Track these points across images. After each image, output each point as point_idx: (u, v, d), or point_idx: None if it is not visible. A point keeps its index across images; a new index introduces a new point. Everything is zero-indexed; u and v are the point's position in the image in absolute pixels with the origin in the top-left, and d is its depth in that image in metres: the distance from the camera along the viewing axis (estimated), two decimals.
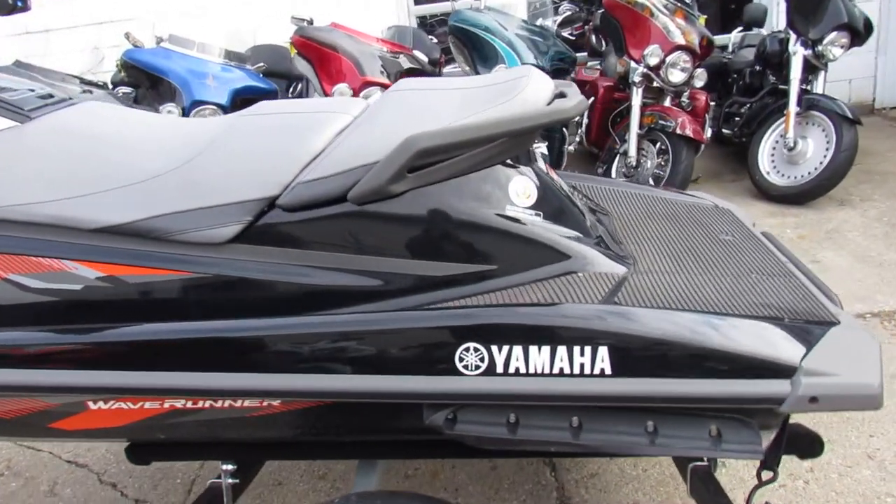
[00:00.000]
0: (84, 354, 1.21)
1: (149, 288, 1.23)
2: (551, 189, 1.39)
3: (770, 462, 1.35)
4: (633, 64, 3.72)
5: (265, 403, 1.24)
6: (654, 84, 3.75)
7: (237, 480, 1.46)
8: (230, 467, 1.44)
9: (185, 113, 3.70)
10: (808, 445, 1.45)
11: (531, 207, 1.31)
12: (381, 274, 1.24)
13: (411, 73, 3.89)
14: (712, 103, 4.16)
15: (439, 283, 1.25)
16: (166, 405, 1.24)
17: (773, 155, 3.84)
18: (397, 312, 1.17)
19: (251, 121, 1.40)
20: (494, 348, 1.12)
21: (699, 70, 3.82)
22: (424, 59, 4.12)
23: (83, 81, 4.09)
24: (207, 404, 1.23)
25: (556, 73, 3.95)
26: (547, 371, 1.12)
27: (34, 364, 1.22)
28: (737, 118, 4.22)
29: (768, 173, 3.82)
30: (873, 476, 1.75)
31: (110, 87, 4.30)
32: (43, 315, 1.24)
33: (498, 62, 3.65)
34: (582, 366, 1.11)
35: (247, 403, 1.24)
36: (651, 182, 3.75)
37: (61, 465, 2.17)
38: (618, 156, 3.86)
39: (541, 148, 1.50)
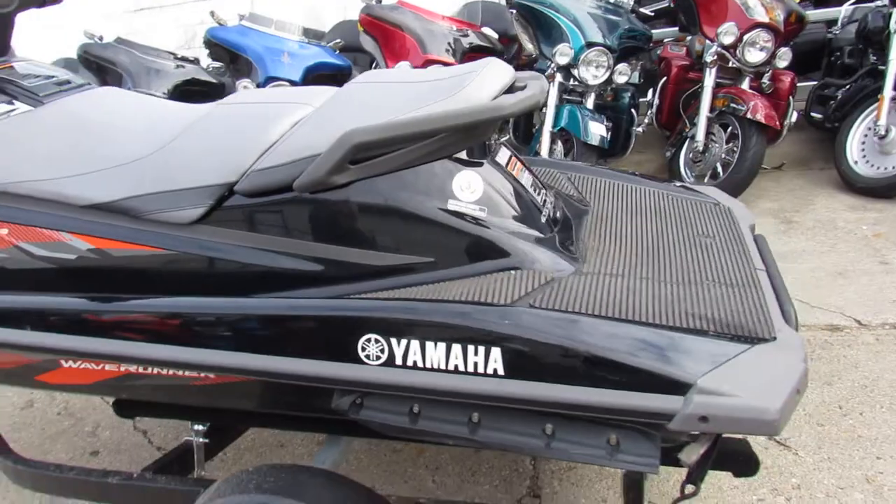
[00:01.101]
0: (59, 320, 1.35)
1: (129, 262, 1.35)
2: (502, 184, 1.39)
3: (695, 476, 1.31)
4: (707, 42, 3.52)
5: (202, 375, 1.34)
6: (731, 64, 3.53)
7: (207, 440, 1.59)
8: (201, 427, 1.58)
9: (259, 88, 3.90)
10: (743, 463, 1.39)
11: (476, 202, 1.32)
12: (324, 261, 1.30)
13: (478, 50, 3.88)
14: (806, 84, 3.86)
15: (378, 273, 1.30)
16: (122, 369, 1.37)
17: (863, 143, 3.53)
18: (308, 300, 1.23)
19: (225, 109, 1.50)
20: (394, 341, 1.16)
21: (783, 49, 3.55)
22: (494, 35, 4.09)
23: (176, 57, 4.39)
24: (155, 371, 1.35)
25: (629, 51, 3.81)
26: (442, 367, 1.14)
27: (23, 325, 1.39)
28: (831, 101, 3.89)
29: (856, 163, 3.51)
30: (865, 501, 1.64)
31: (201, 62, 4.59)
32: (43, 280, 1.40)
33: (562, 40, 3.57)
34: (476, 364, 1.13)
35: (187, 373, 1.34)
36: (720, 170, 3.56)
37: (107, 410, 2.42)
38: (687, 140, 3.68)
39: (505, 138, 1.47)
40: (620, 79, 3.66)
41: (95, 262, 1.37)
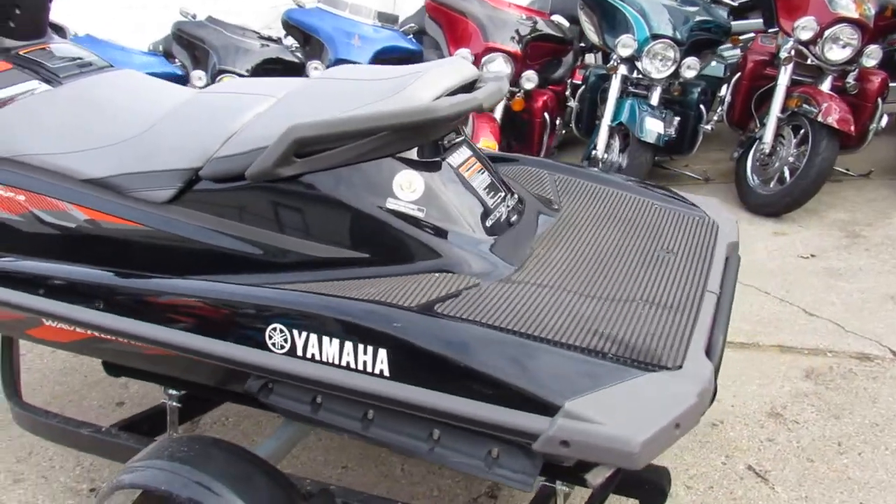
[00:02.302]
0: (45, 284, 1.50)
1: (115, 233, 1.48)
2: (447, 185, 1.40)
3: (597, 498, 1.29)
4: (784, 36, 3.28)
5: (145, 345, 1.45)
6: (809, 61, 3.28)
7: (180, 405, 1.72)
8: (175, 393, 1.70)
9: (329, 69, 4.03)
10: (651, 493, 1.34)
11: (414, 202, 1.35)
12: (269, 248, 1.38)
13: (544, 38, 3.82)
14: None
15: (316, 264, 1.37)
16: (88, 332, 1.50)
17: None
18: (226, 286, 1.30)
19: (204, 97, 1.61)
20: (296, 332, 1.21)
21: (872, 47, 3.24)
22: (565, 24, 4.00)
23: (261, 36, 4.61)
24: (112, 337, 1.47)
25: (702, 44, 3.62)
26: (336, 362, 1.18)
27: (18, 286, 1.55)
28: None
29: None
30: None
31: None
32: (48, 246, 1.55)
33: (626, 31, 3.45)
34: (364, 363, 1.16)
35: (137, 342, 1.46)
36: (787, 174, 3.32)
37: None
38: (756, 141, 3.46)
39: (460, 139, 1.45)
40: (688, 73, 3.49)
41: (90, 232, 1.51)
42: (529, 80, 3.73)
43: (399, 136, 1.31)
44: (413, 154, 1.38)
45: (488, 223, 1.42)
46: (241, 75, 4.35)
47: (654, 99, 3.53)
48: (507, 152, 3.99)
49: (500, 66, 3.66)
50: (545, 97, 3.94)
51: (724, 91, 3.78)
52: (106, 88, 1.74)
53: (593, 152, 3.50)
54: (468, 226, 1.38)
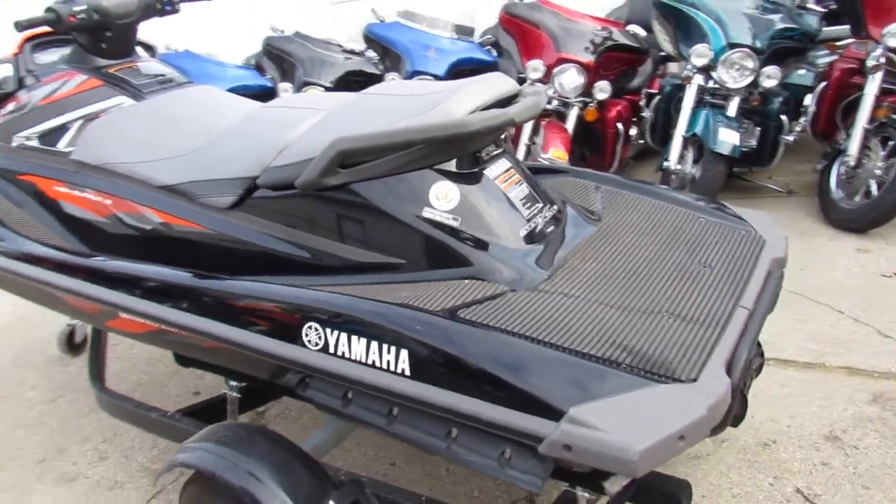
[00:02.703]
0: (121, 279, 1.66)
1: (184, 235, 1.63)
2: (483, 196, 1.45)
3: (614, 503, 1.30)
4: (872, 43, 3.13)
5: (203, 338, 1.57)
6: None
7: (240, 395, 1.84)
8: (234, 384, 1.83)
9: None
10: (666, 502, 1.33)
11: (450, 212, 1.41)
12: (314, 251, 1.49)
13: (618, 48, 3.80)
14: None
15: (358, 268, 1.46)
16: (155, 325, 1.64)
17: None
18: (270, 286, 1.40)
19: (264, 111, 1.74)
20: (328, 330, 1.29)
21: None
22: (642, 33, 3.96)
23: (345, 50, 4.81)
24: (175, 330, 1.60)
25: (785, 52, 3.50)
26: (363, 360, 1.26)
27: (97, 280, 1.71)
28: None
29: None
30: None
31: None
32: (129, 245, 1.72)
33: (702, 40, 3.38)
34: (388, 363, 1.23)
35: (195, 335, 1.58)
36: (874, 188, 3.15)
37: None
38: (841, 153, 3.30)
39: (497, 151, 1.47)
40: (768, 83, 3.37)
41: (163, 233, 1.67)
42: (602, 90, 3.72)
43: (434, 148, 1.38)
44: (451, 165, 1.45)
45: (522, 233, 1.46)
46: (324, 87, 4.56)
47: (732, 109, 3.43)
48: (580, 162, 4.00)
49: (572, 77, 3.67)
50: (619, 107, 3.91)
51: (809, 100, 3.63)
52: (181, 103, 1.90)
53: (665, 163, 3.45)
54: (501, 236, 1.43)
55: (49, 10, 1.88)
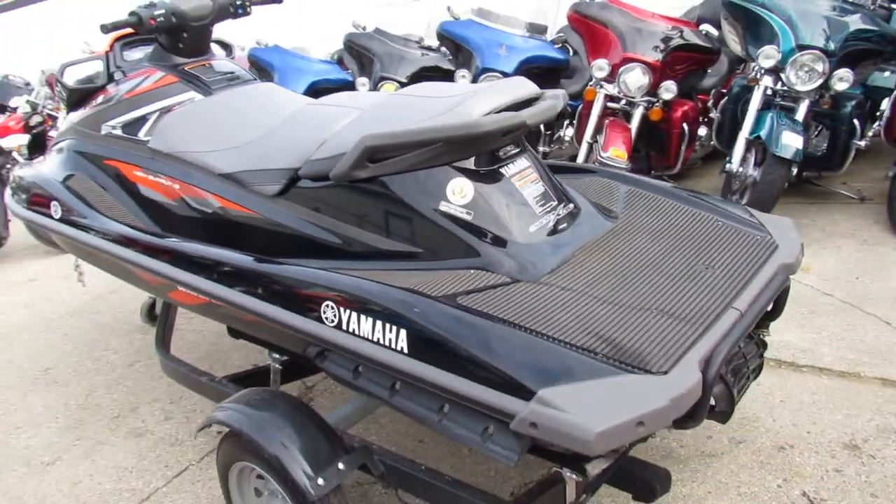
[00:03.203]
0: (179, 256, 1.87)
1: (238, 219, 1.82)
2: (497, 192, 1.57)
3: (591, 486, 1.38)
4: None
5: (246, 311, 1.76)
6: None
7: (282, 367, 2.03)
8: (277, 356, 2.02)
9: (475, 79, 4.27)
10: (642, 490, 1.40)
11: (464, 206, 1.54)
12: (343, 237, 1.66)
13: (688, 48, 3.76)
14: None
15: (378, 254, 1.61)
16: (204, 298, 1.84)
17: None
18: (295, 268, 1.56)
19: (310, 108, 1.91)
20: (342, 309, 1.44)
21: None
22: (715, 32, 3.90)
23: (422, 46, 4.96)
24: (219, 304, 1.80)
25: (861, 54, 3.38)
26: (369, 337, 1.40)
27: (160, 257, 1.93)
28: None
29: None
30: None
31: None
32: (192, 226, 1.93)
33: (771, 41, 3.31)
34: (390, 340, 1.36)
35: (235, 309, 1.76)
36: None
37: None
38: None
39: (515, 151, 1.54)
40: (840, 86, 3.27)
41: (221, 217, 1.87)
42: (668, 90, 3.70)
43: (451, 147, 1.50)
44: (470, 163, 1.56)
45: (532, 229, 1.56)
46: (400, 82, 4.73)
47: (801, 112, 3.35)
48: (644, 162, 3.99)
49: (636, 77, 3.68)
50: (685, 108, 3.88)
51: (885, 104, 3.48)
52: (243, 99, 2.10)
53: (728, 165, 3.41)
54: (511, 230, 1.53)
55: (132, 13, 2.12)
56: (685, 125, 3.85)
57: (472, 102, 1.54)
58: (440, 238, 1.54)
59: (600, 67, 3.74)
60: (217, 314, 1.93)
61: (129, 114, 2.24)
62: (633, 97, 3.76)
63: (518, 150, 1.67)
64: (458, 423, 1.34)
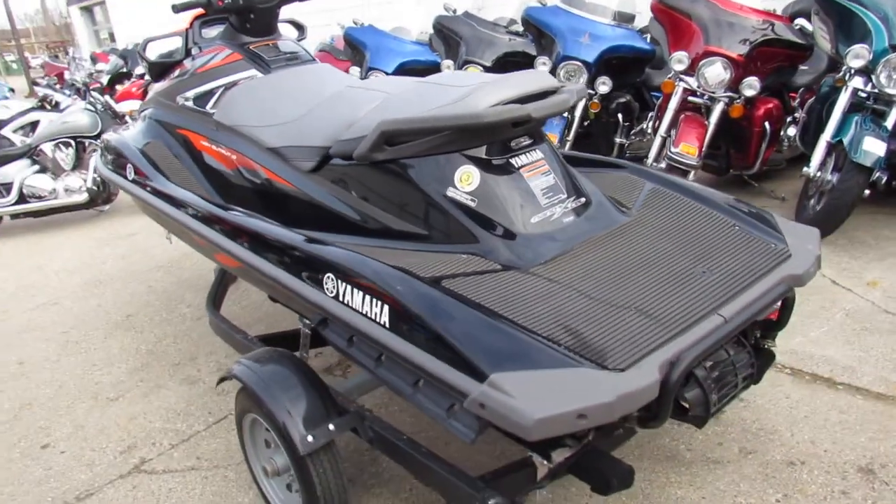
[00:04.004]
0: (220, 221, 2.03)
1: (280, 190, 1.97)
2: (502, 182, 1.62)
3: (554, 472, 1.42)
4: None
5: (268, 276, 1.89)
6: None
7: (310, 332, 2.17)
8: (308, 321, 2.16)
9: (555, 66, 4.24)
10: (596, 481, 1.42)
11: (469, 193, 1.61)
12: (361, 213, 1.77)
13: (778, 43, 3.59)
14: None
15: (389, 232, 1.72)
16: (238, 262, 1.99)
17: None
18: (308, 244, 1.67)
19: (347, 91, 2.02)
20: (340, 282, 1.55)
21: None
22: (810, 27, 3.69)
23: (510, 31, 4.97)
24: (246, 267, 1.94)
25: None
26: (359, 309, 1.49)
27: (210, 221, 2.11)
28: None
29: None
30: None
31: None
32: (244, 194, 2.11)
33: (863, 40, 3.11)
34: (375, 314, 1.45)
35: (260, 275, 1.89)
36: None
37: None
38: None
39: (528, 142, 1.55)
40: None
41: (266, 187, 2.03)
42: (750, 86, 3.55)
43: (458, 135, 1.56)
44: (482, 152, 1.62)
45: (534, 220, 1.60)
46: (484, 66, 4.78)
47: (892, 119, 3.13)
48: (723, 159, 3.85)
49: (716, 71, 3.56)
50: (770, 106, 3.71)
51: None
52: (296, 79, 2.24)
53: (805, 168, 3.25)
54: (512, 220, 1.58)
55: None
56: (767, 124, 3.68)
57: (481, 93, 1.59)
58: (444, 222, 1.61)
59: (679, 60, 3.63)
60: (250, 278, 2.09)
61: (200, 87, 2.43)
62: (712, 92, 3.63)
63: (531, 141, 1.70)
64: (428, 398, 1.41)
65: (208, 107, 2.36)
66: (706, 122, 3.65)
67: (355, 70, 5.38)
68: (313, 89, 2.13)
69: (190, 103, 2.44)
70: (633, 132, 4.53)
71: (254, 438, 1.87)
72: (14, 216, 5.15)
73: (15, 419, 2.56)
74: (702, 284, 1.49)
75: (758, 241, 1.66)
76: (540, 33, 4.38)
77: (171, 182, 2.36)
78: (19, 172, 4.97)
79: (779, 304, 1.62)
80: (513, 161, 1.65)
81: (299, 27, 2.92)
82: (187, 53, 2.59)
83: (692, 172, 3.62)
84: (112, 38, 17.63)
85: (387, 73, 5.23)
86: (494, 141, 1.63)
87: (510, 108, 1.52)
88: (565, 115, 4.25)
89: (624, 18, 4.36)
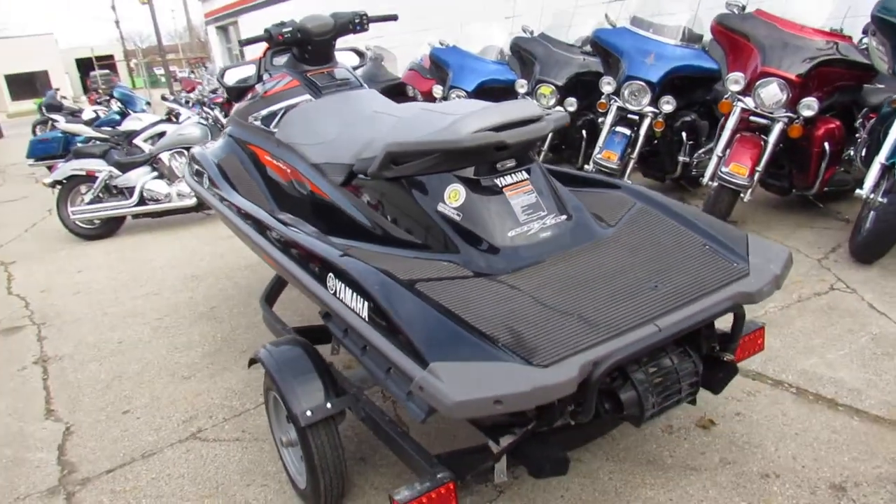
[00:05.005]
0: (264, 227, 2.36)
1: (319, 201, 2.29)
2: (486, 199, 1.83)
3: (498, 455, 1.61)
4: None
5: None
6: None
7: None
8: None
9: (619, 86, 4.34)
10: (534, 466, 1.58)
11: (456, 209, 1.85)
12: (373, 223, 2.05)
13: (835, 64, 3.54)
14: None
15: (394, 241, 1.97)
16: (277, 265, 2.30)
17: None
18: (319, 243, 1.95)
19: (374, 115, 2.30)
20: (338, 280, 1.81)
21: None
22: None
23: (584, 51, 5.11)
24: (278, 266, 2.24)
25: None
26: (349, 304, 1.75)
27: (259, 229, 2.43)
28: None
29: None
30: None
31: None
32: (294, 204, 2.44)
33: None
34: (358, 308, 1.71)
35: (286, 273, 2.18)
36: None
37: None
38: None
39: (510, 164, 1.72)
40: None
41: (310, 198, 2.35)
42: (808, 107, 3.53)
43: (447, 157, 1.80)
44: (470, 172, 1.84)
45: (511, 234, 1.80)
46: (556, 85, 4.95)
47: None
48: (785, 179, 3.82)
49: (772, 92, 3.56)
50: (830, 125, 3.65)
51: None
52: (337, 103, 2.55)
53: (858, 190, 3.20)
54: (491, 233, 1.79)
55: (265, 30, 2.66)
56: (827, 144, 3.63)
57: (466, 120, 1.81)
58: (434, 233, 1.85)
59: (735, 81, 3.66)
60: (285, 277, 2.40)
61: (266, 109, 2.80)
62: (770, 112, 3.63)
63: (515, 163, 1.89)
64: (394, 383, 1.65)
65: (272, 126, 2.71)
66: (762, 143, 3.65)
67: (438, 89, 5.69)
68: (348, 113, 2.43)
69: (258, 122, 2.81)
70: (701, 151, 4.54)
71: (277, 413, 2.17)
72: (135, 216, 5.83)
73: (107, 388, 3.03)
74: (648, 297, 1.64)
75: (719, 260, 1.78)
76: (607, 54, 4.50)
77: (234, 191, 2.73)
78: (140, 178, 5.65)
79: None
80: (497, 181, 1.85)
81: (360, 54, 3.25)
82: (259, 79, 2.97)
83: (746, 192, 3.63)
84: (242, 55, 19.06)
85: (467, 92, 5.50)
86: (482, 162, 1.85)
87: (486, 135, 1.74)
88: (627, 133, 4.36)
89: (692, 38, 4.39)
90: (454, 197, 1.84)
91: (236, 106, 3.11)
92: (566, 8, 5.84)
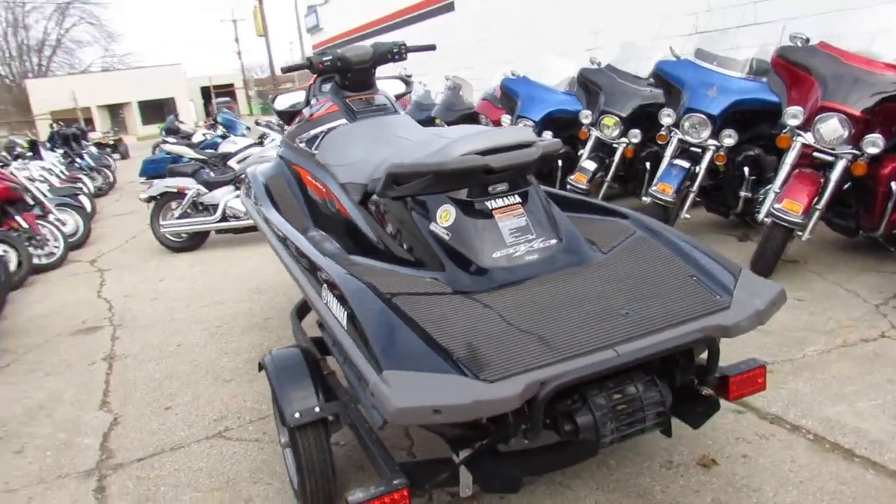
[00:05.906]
0: (287, 242, 2.52)
1: (344, 218, 2.43)
2: (474, 221, 1.90)
3: (458, 465, 1.64)
4: None
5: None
6: None
7: None
8: None
9: (678, 118, 4.27)
10: (487, 480, 1.60)
11: (446, 229, 1.93)
12: (378, 238, 2.16)
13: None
14: None
15: (393, 258, 2.08)
16: (294, 277, 2.44)
17: None
18: (320, 256, 2.06)
19: (391, 139, 2.43)
20: (328, 291, 1.92)
21: None
22: None
23: (649, 83, 5.06)
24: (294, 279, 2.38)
25: None
26: (335, 312, 1.85)
27: (286, 244, 2.60)
28: None
29: None
30: None
31: None
32: (326, 221, 2.60)
33: None
34: (339, 317, 1.80)
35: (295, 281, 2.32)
36: None
37: None
38: None
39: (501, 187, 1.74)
40: None
41: (337, 216, 2.50)
42: (873, 143, 3.35)
43: (438, 179, 1.88)
44: (463, 194, 1.92)
45: (495, 255, 1.86)
46: (620, 116, 4.94)
47: None
48: (852, 219, 3.63)
49: (833, 126, 3.42)
50: None
51: None
52: (367, 128, 2.69)
53: None
54: (477, 253, 1.86)
55: (307, 59, 2.85)
56: (894, 184, 3.42)
57: (456, 144, 1.89)
58: (425, 251, 1.94)
59: (794, 115, 3.54)
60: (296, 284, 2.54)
61: (310, 132, 2.98)
62: (831, 148, 3.48)
63: (508, 187, 1.95)
64: (363, 390, 1.73)
65: (313, 148, 2.88)
66: (821, 180, 3.49)
67: (506, 118, 5.79)
68: (373, 137, 2.57)
69: (303, 145, 2.99)
70: (768, 187, 4.37)
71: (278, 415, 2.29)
72: (218, 231, 6.23)
73: (158, 386, 3.27)
74: (616, 323, 1.64)
75: (701, 292, 1.75)
76: (669, 85, 4.44)
77: (274, 208, 2.91)
78: (224, 196, 6.04)
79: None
80: (488, 203, 1.91)
81: (406, 82, 3.39)
82: (307, 103, 3.16)
83: (804, 231, 3.48)
84: None
85: (534, 122, 5.56)
86: (473, 185, 1.91)
87: (472, 158, 1.81)
88: (686, 166, 4.27)
89: (760, 71, 4.27)
90: (445, 217, 1.91)
91: (287, 129, 3.32)
92: (638, 41, 5.81)
